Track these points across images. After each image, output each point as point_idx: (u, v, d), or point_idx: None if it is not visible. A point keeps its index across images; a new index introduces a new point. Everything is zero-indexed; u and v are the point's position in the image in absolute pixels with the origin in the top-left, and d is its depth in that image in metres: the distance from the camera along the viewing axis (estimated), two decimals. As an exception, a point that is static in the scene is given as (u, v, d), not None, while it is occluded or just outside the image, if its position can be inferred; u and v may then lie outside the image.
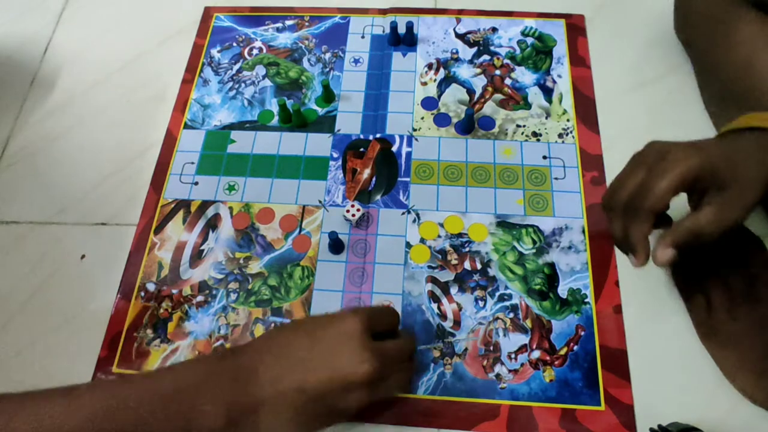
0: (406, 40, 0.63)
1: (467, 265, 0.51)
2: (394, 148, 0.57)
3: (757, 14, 0.49)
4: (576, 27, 0.64)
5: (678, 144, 0.40)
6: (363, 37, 0.65)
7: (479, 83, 0.61)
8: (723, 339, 0.45)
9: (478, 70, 0.62)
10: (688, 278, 0.48)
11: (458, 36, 0.64)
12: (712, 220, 0.38)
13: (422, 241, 0.53)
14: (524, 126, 0.58)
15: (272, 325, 0.50)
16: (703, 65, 0.56)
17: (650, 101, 0.58)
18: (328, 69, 0.63)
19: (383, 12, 0.66)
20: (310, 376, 0.36)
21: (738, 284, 0.45)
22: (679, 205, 0.42)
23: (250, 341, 0.39)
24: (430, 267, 0.51)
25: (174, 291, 0.52)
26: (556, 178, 0.55)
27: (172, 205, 0.56)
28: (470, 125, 0.57)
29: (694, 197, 0.41)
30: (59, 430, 0.32)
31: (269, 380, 0.36)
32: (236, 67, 0.64)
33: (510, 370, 0.47)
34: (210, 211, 0.55)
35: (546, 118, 0.58)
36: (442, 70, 0.62)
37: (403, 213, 0.54)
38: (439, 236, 0.53)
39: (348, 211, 0.53)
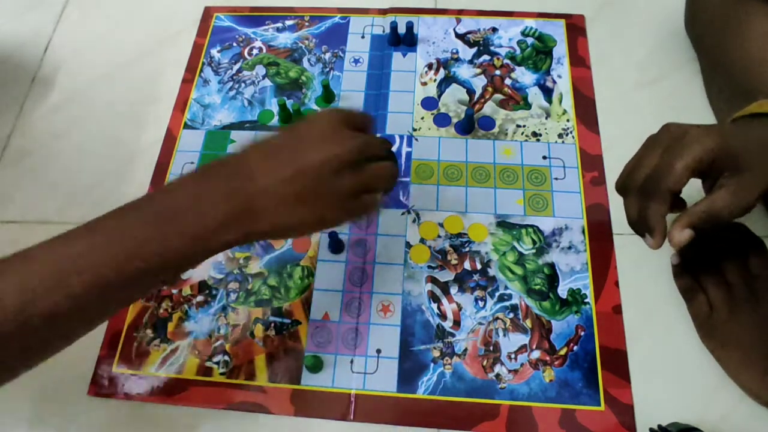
0: (406, 40, 0.63)
1: (467, 265, 0.51)
2: (394, 148, 0.57)
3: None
4: (576, 27, 0.64)
5: (694, 126, 0.40)
6: (363, 37, 0.65)
7: (479, 83, 0.61)
8: (724, 338, 0.45)
9: (478, 70, 0.62)
10: (688, 278, 0.48)
11: (458, 36, 0.64)
12: (727, 202, 0.38)
13: (422, 241, 0.53)
14: (524, 126, 0.58)
15: (272, 324, 0.50)
16: (713, 61, 0.56)
17: (650, 101, 0.58)
18: (328, 69, 0.63)
19: (383, 12, 0.66)
20: (302, 160, 0.37)
21: (739, 285, 0.45)
22: (690, 191, 0.41)
23: (235, 152, 0.40)
24: (430, 267, 0.51)
25: (174, 291, 0.52)
26: (556, 178, 0.55)
27: (172, 205, 0.56)
28: (470, 125, 0.57)
29: (708, 180, 0.41)
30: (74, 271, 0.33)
31: (266, 172, 0.37)
32: (236, 67, 0.64)
33: (510, 370, 0.47)
34: (210, 211, 0.55)
35: (546, 118, 0.58)
36: (442, 70, 0.62)
37: (403, 213, 0.54)
38: (439, 236, 0.53)
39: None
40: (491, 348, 0.48)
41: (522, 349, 0.48)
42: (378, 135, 0.46)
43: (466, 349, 0.48)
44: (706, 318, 0.46)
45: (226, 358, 0.48)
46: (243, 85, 0.63)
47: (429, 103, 0.60)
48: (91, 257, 0.34)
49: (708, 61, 0.57)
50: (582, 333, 0.48)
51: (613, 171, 0.55)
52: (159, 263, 0.35)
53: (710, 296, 0.46)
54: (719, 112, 0.55)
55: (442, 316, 0.49)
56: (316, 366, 0.47)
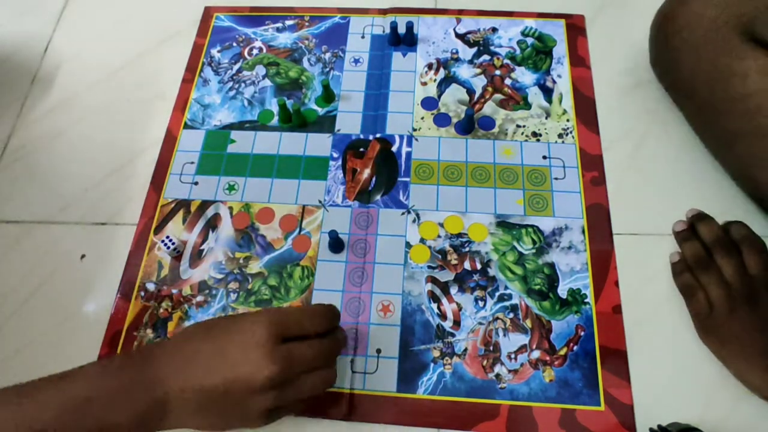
0: (406, 40, 0.63)
1: (467, 265, 0.51)
2: (394, 148, 0.57)
3: (759, 50, 0.46)
4: (576, 27, 0.64)
5: None
6: (363, 37, 0.65)
7: (479, 83, 0.61)
8: (725, 336, 0.45)
9: (478, 70, 0.62)
10: (688, 277, 0.48)
11: (458, 36, 0.64)
12: None
13: (422, 241, 0.53)
14: (524, 126, 0.58)
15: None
16: (692, 104, 0.53)
17: (650, 101, 0.58)
18: (328, 69, 0.63)
19: (383, 12, 0.66)
20: (211, 377, 0.37)
21: (738, 283, 0.46)
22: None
23: (162, 342, 0.40)
24: (430, 267, 0.51)
25: (174, 291, 0.52)
26: (556, 178, 0.55)
27: (172, 205, 0.56)
28: (470, 125, 0.57)
29: None
30: None
31: (175, 382, 0.37)
32: (236, 67, 0.64)
33: (510, 370, 0.47)
34: (210, 211, 0.55)
35: (546, 118, 0.58)
36: (442, 70, 0.62)
37: (403, 213, 0.54)
38: (439, 236, 0.53)
39: (164, 242, 0.52)
40: (491, 348, 0.48)
41: (522, 349, 0.48)
42: (320, 339, 0.41)
43: (466, 349, 0.48)
44: (706, 316, 0.46)
45: (226, 358, 0.48)
46: (243, 85, 0.63)
47: (429, 103, 0.60)
48: None
49: (688, 103, 0.54)
50: (582, 333, 0.48)
51: (613, 171, 0.55)
52: None
53: (710, 294, 0.46)
54: (710, 148, 0.53)
55: (442, 316, 0.49)
56: None
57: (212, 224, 0.55)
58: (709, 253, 0.48)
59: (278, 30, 0.66)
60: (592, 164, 0.55)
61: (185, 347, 0.39)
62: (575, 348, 0.47)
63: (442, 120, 0.59)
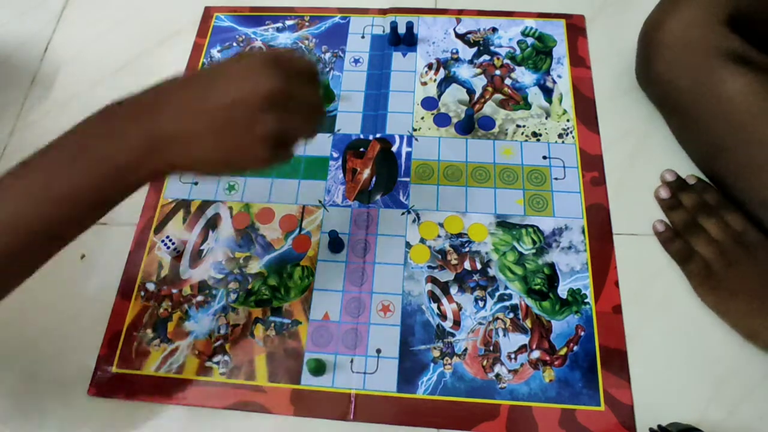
0: (406, 40, 0.63)
1: (467, 265, 0.51)
2: (394, 148, 0.57)
3: (742, 68, 0.47)
4: (576, 27, 0.64)
5: None
6: (363, 37, 0.65)
7: (479, 83, 0.61)
8: (731, 289, 0.46)
9: (478, 70, 0.62)
10: (679, 241, 0.50)
11: (458, 36, 0.64)
12: None
13: (422, 241, 0.53)
14: (524, 126, 0.58)
15: (272, 324, 0.50)
16: (678, 118, 0.54)
17: (650, 101, 0.58)
18: (328, 69, 0.63)
19: (383, 12, 0.66)
20: (216, 94, 0.35)
21: (728, 240, 0.48)
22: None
23: (154, 83, 0.39)
24: (430, 267, 0.51)
25: (174, 291, 0.52)
26: (556, 178, 0.55)
27: (172, 205, 0.56)
28: (470, 125, 0.57)
29: None
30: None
31: (176, 102, 0.36)
32: (236, 67, 0.64)
33: (510, 370, 0.47)
34: (210, 211, 0.55)
35: (546, 118, 0.58)
36: (442, 70, 0.62)
37: (403, 213, 0.54)
38: (439, 236, 0.53)
39: (164, 242, 0.52)
40: (491, 348, 0.48)
41: (522, 349, 0.48)
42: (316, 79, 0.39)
43: (466, 349, 0.48)
44: (706, 274, 0.48)
45: (226, 358, 0.48)
46: (243, 85, 0.62)
47: (429, 103, 0.60)
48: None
49: (673, 117, 0.55)
50: (582, 333, 0.48)
51: (613, 171, 0.55)
52: (71, 204, 0.36)
53: (704, 254, 0.48)
54: (695, 160, 0.54)
55: (442, 316, 0.49)
56: (319, 369, 0.47)
57: (212, 224, 0.55)
58: (691, 222, 0.50)
59: (278, 30, 0.66)
60: (592, 164, 0.55)
61: (184, 77, 0.38)
62: (575, 348, 0.47)
63: (442, 120, 0.59)
